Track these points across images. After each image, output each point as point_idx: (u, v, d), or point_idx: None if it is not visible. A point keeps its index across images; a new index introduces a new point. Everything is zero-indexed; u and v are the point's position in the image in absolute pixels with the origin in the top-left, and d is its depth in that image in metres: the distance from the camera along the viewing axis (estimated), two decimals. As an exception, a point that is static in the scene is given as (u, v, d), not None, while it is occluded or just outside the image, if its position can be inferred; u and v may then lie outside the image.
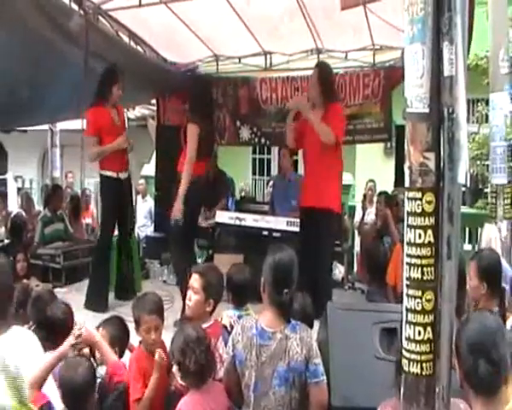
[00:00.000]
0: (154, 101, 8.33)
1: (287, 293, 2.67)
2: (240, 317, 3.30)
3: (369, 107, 6.92)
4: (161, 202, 7.60)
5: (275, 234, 5.67)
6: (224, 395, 2.74)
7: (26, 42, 4.63)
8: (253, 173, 13.56)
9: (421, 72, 1.70)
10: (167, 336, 3.01)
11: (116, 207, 5.31)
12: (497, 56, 4.88)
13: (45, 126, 9.25)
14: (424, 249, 1.70)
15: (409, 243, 1.73)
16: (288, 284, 2.68)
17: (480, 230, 6.58)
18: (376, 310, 3.21)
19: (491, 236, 4.88)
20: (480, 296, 3.27)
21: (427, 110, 1.71)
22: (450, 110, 1.68)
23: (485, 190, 7.97)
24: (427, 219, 1.70)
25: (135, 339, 3.16)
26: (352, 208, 9.01)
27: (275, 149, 11.64)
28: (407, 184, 1.76)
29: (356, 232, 8.51)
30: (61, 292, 5.33)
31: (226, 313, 3.47)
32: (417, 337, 1.71)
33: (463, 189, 2.34)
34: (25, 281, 5.19)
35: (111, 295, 5.39)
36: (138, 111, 10.33)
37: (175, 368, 2.79)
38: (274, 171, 12.28)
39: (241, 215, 6.02)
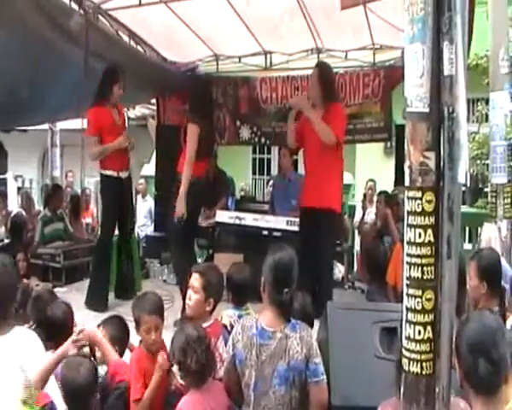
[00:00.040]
0: (154, 100, 8.33)
1: (287, 292, 2.67)
2: (240, 316, 3.30)
3: (369, 106, 6.92)
4: (161, 201, 7.60)
5: (275, 233, 5.67)
6: (223, 394, 2.74)
7: (26, 42, 4.63)
8: (253, 173, 13.56)
9: (422, 71, 1.71)
10: (167, 335, 3.01)
11: (116, 206, 5.31)
12: (497, 56, 4.88)
13: (45, 126, 9.25)
14: (424, 249, 1.71)
15: (409, 243, 1.74)
16: (288, 284, 2.69)
17: (480, 229, 6.58)
18: (376, 309, 3.21)
19: (491, 235, 4.88)
20: (480, 296, 3.27)
21: (427, 110, 1.71)
22: (451, 109, 1.68)
23: (486, 190, 7.97)
24: (427, 218, 1.70)
25: (135, 339, 3.16)
26: (352, 208, 9.02)
27: (275, 149, 11.64)
28: (407, 183, 1.76)
29: (356, 232, 8.51)
30: (61, 292, 5.34)
31: (226, 313, 3.47)
32: (417, 337, 1.72)
33: (463, 188, 2.34)
34: (25, 281, 5.19)
35: (111, 295, 5.39)
36: (138, 110, 10.32)
37: (175, 368, 2.79)
38: (274, 170, 12.28)
39: (241, 215, 6.02)
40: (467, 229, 8.42)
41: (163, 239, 6.37)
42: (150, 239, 8.13)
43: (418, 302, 1.71)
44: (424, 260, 1.71)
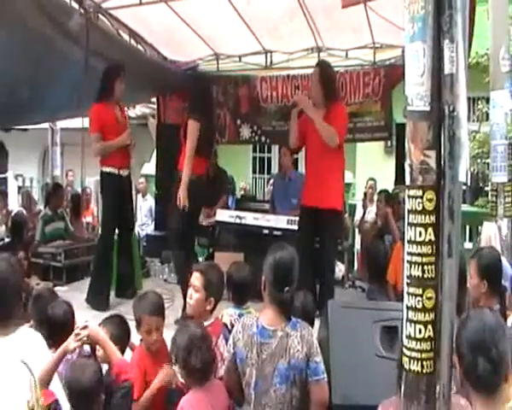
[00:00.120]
0: (154, 99, 8.33)
1: (287, 291, 2.67)
2: (240, 315, 3.30)
3: (369, 105, 6.92)
4: (162, 200, 7.60)
5: (275, 232, 5.67)
6: (224, 393, 2.75)
7: (26, 42, 4.62)
8: (254, 172, 13.56)
9: (422, 70, 1.71)
10: (168, 334, 3.01)
11: (117, 204, 5.30)
12: (498, 54, 4.87)
13: (46, 125, 9.25)
14: (425, 247, 1.71)
15: (409, 241, 1.74)
16: (288, 282, 2.69)
17: (480, 228, 6.58)
18: (377, 308, 3.20)
19: (491, 234, 4.88)
20: (481, 295, 3.27)
21: (427, 108, 1.71)
22: (451, 108, 1.68)
23: (486, 189, 7.96)
24: (427, 217, 1.70)
25: (136, 337, 3.16)
26: (353, 207, 9.02)
27: (275, 148, 11.64)
28: (408, 182, 1.76)
29: (356, 231, 8.52)
30: (61, 291, 5.34)
31: (227, 312, 3.47)
32: (418, 335, 1.72)
33: (464, 187, 2.34)
34: (25, 280, 5.19)
35: (112, 294, 5.39)
36: (139, 110, 10.33)
37: (176, 367, 2.79)
38: (274, 169, 12.29)
39: (242, 214, 6.02)
40: (467, 228, 8.42)
41: (163, 238, 6.38)
42: (151, 238, 8.13)
43: (419, 301, 1.71)
44: (425, 259, 1.71)
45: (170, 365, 2.98)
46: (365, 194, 8.73)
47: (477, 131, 8.79)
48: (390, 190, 7.19)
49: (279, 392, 2.59)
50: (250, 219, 5.90)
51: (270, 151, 13.06)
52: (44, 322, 3.12)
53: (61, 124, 9.39)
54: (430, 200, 1.70)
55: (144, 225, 9.31)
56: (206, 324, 3.04)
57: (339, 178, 5.10)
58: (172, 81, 7.18)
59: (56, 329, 3.01)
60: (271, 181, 8.95)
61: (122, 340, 3.15)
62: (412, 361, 1.73)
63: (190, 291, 3.19)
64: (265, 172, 13.30)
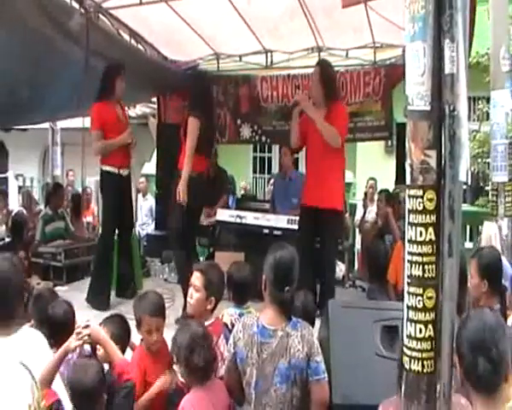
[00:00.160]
0: (154, 99, 8.33)
1: (288, 291, 2.67)
2: (241, 315, 3.30)
3: (369, 105, 6.92)
4: (162, 200, 7.60)
5: (276, 232, 5.67)
6: (224, 392, 2.75)
7: (26, 42, 4.62)
8: (254, 172, 13.55)
9: (423, 69, 1.71)
10: (169, 333, 3.01)
11: (117, 203, 5.30)
12: (498, 54, 4.87)
13: (46, 125, 9.25)
14: (425, 247, 1.71)
15: (410, 241, 1.74)
16: (288, 282, 2.69)
17: (480, 228, 6.58)
18: (377, 308, 3.20)
19: (491, 233, 4.88)
20: (481, 294, 3.27)
21: (428, 108, 1.71)
22: (452, 108, 1.68)
23: (486, 188, 7.96)
24: (428, 216, 1.70)
25: (136, 337, 3.16)
26: (353, 206, 9.02)
27: (275, 148, 11.64)
28: (408, 181, 1.76)
29: (357, 230, 8.52)
30: (61, 290, 5.34)
31: (227, 311, 3.47)
32: (418, 335, 1.72)
33: (464, 186, 2.34)
34: (26, 279, 5.19)
35: (112, 294, 5.39)
36: (139, 109, 10.33)
37: (177, 366, 2.79)
38: (275, 169, 12.29)
39: (242, 213, 6.02)
40: (467, 227, 8.42)
41: (164, 238, 6.37)
42: (151, 238, 8.13)
43: (419, 301, 1.71)
44: (425, 259, 1.71)
45: (170, 366, 3.00)
46: (366, 193, 8.74)
47: (477, 130, 8.79)
48: (390, 190, 7.19)
49: (279, 392, 2.60)
50: (250, 218, 5.90)
51: (270, 151, 13.06)
52: (45, 322, 3.12)
53: (61, 124, 9.39)
54: (430, 199, 1.70)
55: (145, 224, 9.32)
56: (206, 323, 3.04)
57: (339, 177, 5.10)
58: (173, 81, 7.18)
59: (57, 328, 3.01)
60: (272, 181, 8.95)
61: (122, 339, 3.15)
62: (413, 361, 1.73)
63: (191, 291, 3.19)
64: (266, 171, 13.29)
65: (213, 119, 6.01)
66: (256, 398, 2.62)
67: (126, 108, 6.05)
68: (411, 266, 1.73)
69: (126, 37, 6.29)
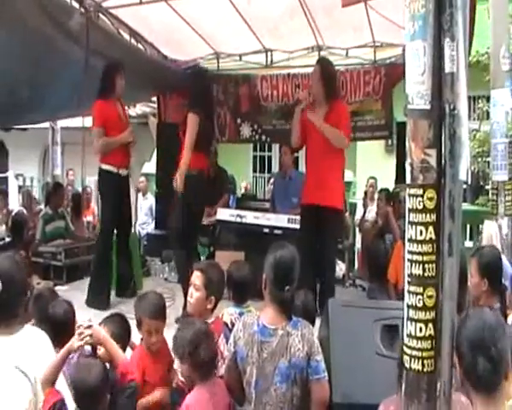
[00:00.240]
0: (154, 98, 8.33)
1: (288, 290, 2.67)
2: (241, 314, 3.30)
3: (369, 104, 6.93)
4: (162, 199, 7.60)
5: (276, 231, 5.67)
6: (225, 391, 2.75)
7: (26, 41, 4.61)
8: (254, 171, 13.55)
9: (423, 68, 1.71)
10: (169, 333, 3.01)
11: (116, 202, 5.29)
12: (498, 53, 4.87)
13: (46, 124, 9.24)
14: (425, 246, 1.71)
15: (410, 240, 1.74)
16: (289, 281, 2.69)
17: (480, 227, 6.58)
18: (377, 307, 3.21)
19: (492, 232, 4.88)
20: (481, 293, 3.27)
21: (428, 107, 1.71)
22: (452, 107, 1.68)
23: (487, 187, 7.97)
24: (428, 215, 1.70)
25: (136, 336, 3.16)
26: (353, 206, 9.02)
27: (275, 147, 11.65)
28: (408, 180, 1.76)
29: (357, 230, 8.51)
30: (62, 290, 5.33)
31: (227, 311, 3.47)
32: (418, 334, 1.72)
33: (464, 185, 2.34)
34: (28, 278, 5.18)
35: (112, 293, 5.39)
36: (139, 109, 10.33)
37: (178, 364, 2.79)
38: (275, 168, 12.28)
39: (242, 213, 6.02)
40: (468, 226, 8.42)
41: (164, 237, 6.38)
42: (151, 237, 8.13)
43: (419, 300, 1.71)
44: (425, 258, 1.71)
45: (171, 366, 3.00)
46: (366, 193, 8.73)
47: (477, 129, 8.79)
48: (390, 189, 7.19)
49: (280, 391, 2.60)
50: (251, 217, 5.90)
51: (270, 150, 13.06)
52: (45, 321, 3.11)
53: (61, 123, 9.38)
54: (431, 198, 1.70)
55: (145, 224, 9.31)
56: (206, 322, 3.04)
57: (339, 177, 5.10)
58: (173, 80, 7.18)
59: (57, 328, 3.00)
60: (272, 180, 8.95)
61: (123, 339, 3.15)
62: (413, 360, 1.73)
63: (191, 290, 3.19)
64: (266, 171, 13.29)
65: (213, 117, 6.00)
66: (256, 397, 2.62)
67: (126, 108, 6.04)
68: (411, 265, 1.73)
69: (126, 36, 6.30)
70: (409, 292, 1.74)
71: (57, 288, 5.09)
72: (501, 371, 1.89)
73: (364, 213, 8.28)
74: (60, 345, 2.69)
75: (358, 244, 8.39)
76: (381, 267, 5.01)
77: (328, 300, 3.25)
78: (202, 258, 6.30)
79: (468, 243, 8.02)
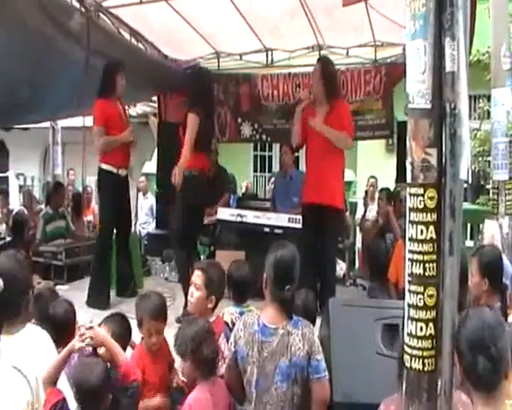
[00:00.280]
0: (155, 98, 8.33)
1: (288, 289, 2.67)
2: (241, 313, 3.30)
3: (370, 103, 6.93)
4: (163, 199, 7.62)
5: (276, 231, 5.67)
6: (225, 391, 2.75)
7: (26, 41, 4.61)
8: (255, 170, 13.54)
9: (423, 68, 1.71)
10: (169, 333, 3.01)
11: (116, 202, 5.28)
12: (499, 52, 4.87)
13: (47, 124, 9.25)
14: (426, 245, 1.71)
15: (411, 239, 1.74)
16: (289, 281, 2.69)
17: (481, 226, 6.58)
18: (378, 306, 3.20)
19: (494, 232, 4.88)
20: (482, 293, 3.27)
21: (429, 106, 1.71)
22: (452, 106, 1.68)
23: (487, 187, 7.96)
24: (429, 215, 1.70)
25: (137, 336, 3.16)
26: (354, 205, 9.02)
27: (276, 146, 11.65)
28: (409, 180, 1.76)
29: (357, 229, 8.51)
30: (62, 290, 5.33)
31: (227, 310, 3.47)
32: (419, 333, 1.72)
33: (465, 185, 2.34)
34: (30, 277, 5.17)
35: (112, 293, 5.39)
36: (140, 108, 10.34)
37: (178, 364, 2.79)
38: (275, 168, 12.27)
39: (243, 212, 6.01)
40: (468, 226, 8.42)
41: (164, 237, 6.38)
42: (151, 237, 8.14)
43: (420, 299, 1.71)
44: (426, 257, 1.71)
45: (171, 366, 3.00)
46: (366, 192, 8.73)
47: (478, 129, 8.79)
48: (391, 189, 7.20)
49: (280, 390, 2.59)
50: (251, 217, 5.90)
51: (271, 150, 13.05)
52: (46, 321, 3.11)
53: (62, 123, 9.38)
54: (431, 198, 1.70)
55: (145, 223, 9.31)
56: (207, 322, 3.04)
57: (339, 177, 5.10)
58: (173, 80, 7.18)
59: (58, 328, 3.00)
60: (272, 179, 8.94)
61: (123, 338, 3.14)
62: (413, 359, 1.73)
63: (192, 289, 3.19)
64: (266, 170, 13.28)
65: (213, 116, 6.00)
66: (257, 397, 2.62)
67: (126, 107, 6.04)
68: (412, 265, 1.73)
69: (127, 36, 6.30)
70: (409, 291, 1.74)
71: (58, 287, 5.09)
72: (501, 370, 1.89)
73: (365, 212, 8.28)
74: (60, 345, 2.69)
75: (359, 244, 8.39)
76: (381, 267, 5.01)
77: (329, 299, 3.25)
78: (202, 257, 6.29)
79: (469, 243, 8.02)
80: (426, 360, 1.71)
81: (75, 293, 5.07)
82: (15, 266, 2.40)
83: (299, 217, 5.34)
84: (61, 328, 2.99)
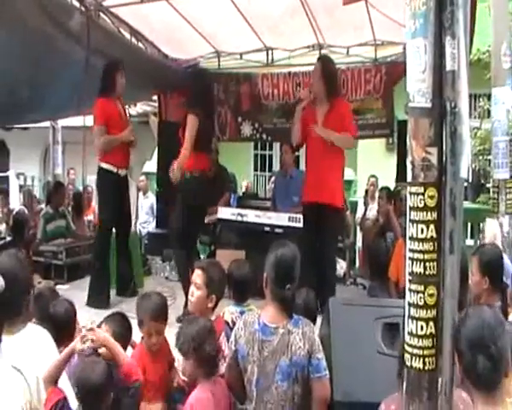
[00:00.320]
0: (155, 97, 8.33)
1: (289, 288, 2.67)
2: (242, 312, 3.30)
3: (370, 102, 6.93)
4: (163, 198, 7.62)
5: (277, 230, 5.67)
6: (226, 390, 2.74)
7: (26, 41, 4.61)
8: (255, 169, 13.52)
9: (424, 66, 1.70)
10: (170, 332, 3.01)
11: (115, 202, 5.28)
12: (499, 51, 4.87)
13: (47, 123, 9.26)
14: (426, 244, 1.71)
15: (411, 238, 1.74)
16: (290, 280, 2.69)
17: (482, 225, 6.57)
18: (378, 305, 3.21)
19: (496, 231, 4.88)
20: (482, 291, 3.27)
21: (429, 105, 1.71)
22: (453, 105, 1.68)
23: (488, 185, 7.96)
24: (429, 213, 1.70)
25: (137, 335, 3.16)
26: (354, 204, 9.01)
27: (276, 145, 11.64)
28: (409, 179, 1.76)
29: (358, 228, 8.51)
30: (62, 289, 5.33)
31: (228, 309, 3.47)
32: (420, 332, 1.72)
33: (465, 184, 2.34)
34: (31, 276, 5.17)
35: (112, 292, 5.39)
36: (140, 108, 10.34)
37: (178, 363, 2.79)
38: (276, 167, 12.26)
39: (243, 211, 6.02)
40: (469, 225, 8.41)
41: (165, 236, 6.38)
42: (152, 236, 8.13)
43: (420, 298, 1.71)
44: (426, 256, 1.71)
45: (171, 365, 3.00)
46: (367, 191, 8.72)
47: (478, 127, 8.79)
48: (391, 188, 7.19)
49: (281, 389, 2.59)
50: (251, 216, 5.90)
51: (271, 149, 13.03)
52: (46, 321, 3.11)
53: (62, 122, 9.39)
54: (432, 197, 1.70)
55: (146, 222, 9.31)
56: (207, 321, 3.04)
57: (339, 177, 5.10)
58: (173, 79, 7.18)
59: (58, 327, 3.00)
60: (273, 179, 8.94)
61: (124, 338, 3.14)
62: (414, 358, 1.73)
63: (192, 288, 3.19)
64: (267, 169, 13.27)
65: (213, 115, 6.00)
66: (257, 395, 2.62)
67: (127, 107, 6.04)
68: (412, 264, 1.73)
69: (127, 35, 6.30)
70: (410, 290, 1.74)
71: (58, 287, 5.09)
72: (501, 369, 1.90)
73: (365, 211, 8.27)
74: (61, 344, 2.69)
75: (359, 243, 8.38)
76: (381, 266, 5.01)
77: (329, 298, 3.25)
78: (203, 257, 6.30)
79: (469, 242, 8.01)
80: (426, 359, 1.71)
81: (75, 292, 5.07)
82: (16, 265, 2.39)
83: (300, 216, 5.34)
84: (62, 327, 2.99)
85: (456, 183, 1.70)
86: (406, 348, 1.76)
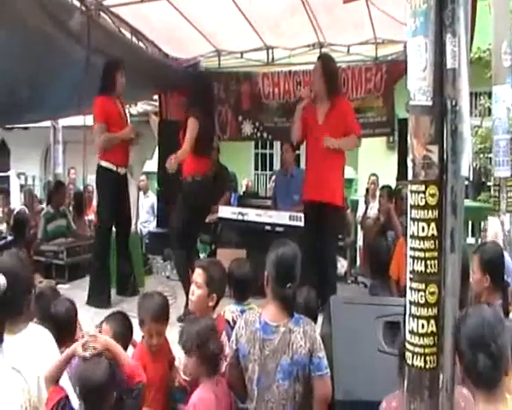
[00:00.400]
0: (156, 97, 8.33)
1: (290, 287, 2.67)
2: (242, 311, 3.30)
3: (371, 101, 6.92)
4: (164, 197, 7.62)
5: (277, 229, 5.67)
6: (227, 390, 2.74)
7: (26, 41, 4.61)
8: (256, 168, 13.52)
9: (424, 64, 1.70)
10: (170, 332, 3.01)
11: (114, 200, 5.27)
12: (500, 49, 4.87)
13: (47, 123, 9.26)
14: (427, 242, 1.70)
15: (412, 236, 1.73)
16: (291, 278, 2.69)
17: (483, 223, 6.57)
18: (379, 304, 3.21)
19: (497, 229, 4.88)
20: (483, 290, 3.27)
21: (430, 103, 1.70)
22: (454, 103, 1.68)
23: (489, 184, 7.96)
24: (430, 212, 1.70)
25: (138, 334, 3.16)
26: (355, 203, 9.00)
27: (277, 144, 11.63)
28: (410, 177, 1.75)
29: (358, 227, 8.50)
30: (63, 289, 5.33)
31: (228, 308, 3.47)
32: (421, 331, 1.72)
33: (466, 182, 2.33)
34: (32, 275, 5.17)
35: (113, 292, 5.38)
36: (140, 107, 10.34)
37: (179, 362, 2.79)
38: (276, 166, 12.26)
39: (244, 210, 6.02)
40: (469, 223, 8.40)
41: (166, 235, 6.38)
42: (153, 235, 8.14)
43: (421, 296, 1.71)
44: (427, 254, 1.71)
45: (171, 365, 3.00)
46: (367, 190, 8.71)
47: (479, 125, 8.78)
48: (392, 186, 7.19)
49: (282, 388, 2.59)
50: (252, 215, 5.90)
51: (271, 148, 13.03)
52: (47, 320, 3.11)
53: (63, 122, 9.39)
54: (433, 195, 1.70)
55: (146, 222, 9.31)
56: (208, 320, 3.04)
57: (339, 176, 5.10)
58: (174, 78, 7.18)
59: (60, 327, 3.00)
60: (273, 177, 8.94)
61: (125, 337, 3.14)
62: (415, 356, 1.73)
63: (193, 287, 3.19)
64: (267, 168, 13.26)
65: (213, 115, 6.00)
66: (258, 394, 2.62)
67: (127, 106, 6.04)
68: (413, 262, 1.73)
69: (127, 34, 6.30)
70: (411, 289, 1.74)
71: (59, 286, 5.08)
72: (501, 367, 1.90)
73: (366, 210, 8.26)
74: (62, 343, 2.69)
75: (360, 241, 8.37)
76: (382, 264, 5.01)
77: (330, 297, 3.25)
78: (203, 256, 6.30)
79: (470, 240, 8.00)
80: (427, 358, 1.71)
81: (76, 292, 5.08)
82: (18, 265, 2.39)
83: (301, 215, 5.35)
84: (63, 327, 2.99)
85: (457, 181, 1.70)
86: (407, 346, 1.76)
